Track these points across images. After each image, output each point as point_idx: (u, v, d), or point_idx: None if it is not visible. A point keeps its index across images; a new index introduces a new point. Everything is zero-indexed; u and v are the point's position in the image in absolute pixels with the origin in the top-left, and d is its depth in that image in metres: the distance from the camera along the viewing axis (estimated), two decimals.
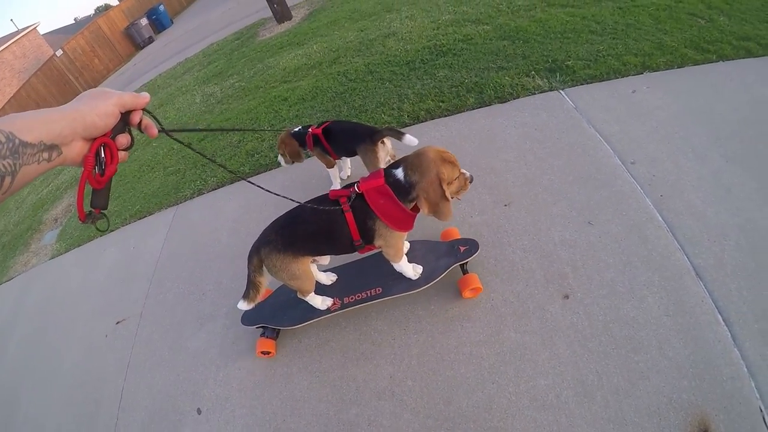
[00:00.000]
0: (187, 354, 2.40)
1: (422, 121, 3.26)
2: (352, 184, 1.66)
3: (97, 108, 0.71)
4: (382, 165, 2.30)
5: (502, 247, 2.21)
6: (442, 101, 3.33)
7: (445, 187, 1.58)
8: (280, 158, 2.65)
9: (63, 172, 6.32)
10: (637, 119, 2.72)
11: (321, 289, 2.11)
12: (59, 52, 14.73)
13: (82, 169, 0.72)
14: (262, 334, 2.16)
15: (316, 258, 1.98)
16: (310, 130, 2.47)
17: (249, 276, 1.86)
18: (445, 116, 3.21)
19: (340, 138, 2.43)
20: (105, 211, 0.77)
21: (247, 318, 2.21)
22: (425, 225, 1.93)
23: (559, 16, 4.12)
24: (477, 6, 4.91)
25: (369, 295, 2.04)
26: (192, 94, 6.15)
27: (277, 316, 2.15)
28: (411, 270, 2.00)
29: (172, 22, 17.29)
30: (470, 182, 1.71)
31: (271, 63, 5.70)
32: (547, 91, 3.12)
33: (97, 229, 0.76)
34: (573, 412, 1.62)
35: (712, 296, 1.82)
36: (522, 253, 2.12)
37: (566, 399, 1.65)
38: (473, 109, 3.17)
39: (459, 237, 2.20)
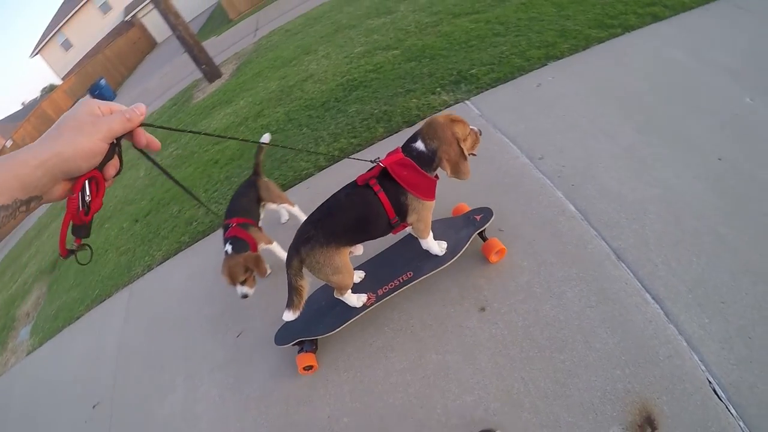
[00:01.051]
0: (158, 423, 2.47)
1: (338, 161, 3.29)
2: (374, 165, 1.71)
3: (80, 148, 0.60)
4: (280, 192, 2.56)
5: None
6: (354, 137, 3.37)
7: (462, 145, 1.69)
8: (242, 290, 2.19)
9: (30, 264, 6.35)
10: (543, 112, 2.77)
11: (352, 289, 2.09)
12: (9, 143, 14.76)
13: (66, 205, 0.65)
14: (300, 350, 2.10)
15: (352, 249, 1.99)
16: (231, 229, 2.25)
17: (290, 282, 1.80)
18: (358, 151, 3.24)
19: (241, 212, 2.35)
20: (87, 243, 0.70)
21: (281, 338, 2.15)
22: (437, 207, 1.90)
23: (464, 25, 4.26)
24: (387, 32, 5.07)
25: (401, 281, 2.06)
26: (137, 169, 6.23)
27: (311, 327, 2.12)
28: (437, 246, 2.05)
29: (115, 95, 17.37)
30: (480, 135, 1.81)
31: (204, 125, 5.77)
32: (452, 105, 3.17)
33: (79, 262, 0.71)
34: (503, 423, 1.60)
35: (636, 276, 1.82)
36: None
37: (495, 411, 1.64)
38: (383, 138, 3.22)
39: (468, 209, 2.27)
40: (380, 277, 2.14)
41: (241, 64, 7.64)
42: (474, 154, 1.82)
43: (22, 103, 32.99)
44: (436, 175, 1.75)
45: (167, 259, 3.60)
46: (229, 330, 2.55)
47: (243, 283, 2.15)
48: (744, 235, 1.84)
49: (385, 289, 2.07)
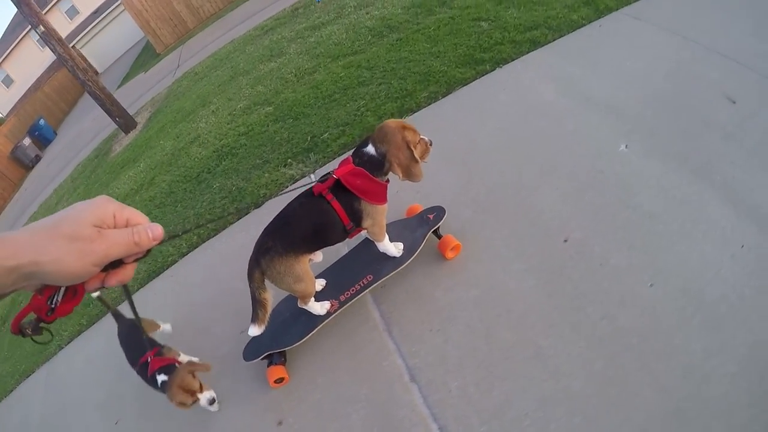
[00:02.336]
0: None
1: (196, 247, 3.22)
2: (328, 175, 1.76)
3: (66, 267, 0.52)
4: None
5: None
6: (212, 219, 3.34)
7: (413, 148, 1.74)
8: (207, 396, 2.06)
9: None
10: None
11: (315, 297, 2.12)
12: None
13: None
14: (270, 363, 2.12)
15: (311, 256, 2.01)
16: (152, 363, 2.13)
17: (253, 296, 1.83)
18: (212, 237, 3.18)
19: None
20: (46, 327, 0.62)
21: (250, 352, 2.17)
22: (390, 209, 1.95)
23: (336, 71, 4.26)
24: (270, 82, 5.05)
25: (362, 285, 2.11)
26: None
27: (278, 338, 2.14)
28: (393, 248, 2.11)
29: (56, 134, 17.03)
30: (430, 146, 1.87)
31: (112, 188, 5.65)
32: (298, 179, 3.16)
33: (35, 341, 0.63)
34: None
35: (426, 401, 1.72)
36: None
37: None
38: (234, 223, 3.17)
39: (421, 209, 2.34)
40: (341, 283, 2.19)
41: (153, 113, 7.56)
42: (425, 161, 1.87)
43: None
44: (387, 179, 1.81)
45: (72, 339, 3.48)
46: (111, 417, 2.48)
47: (200, 390, 2.07)
48: (571, 347, 1.65)
49: (347, 294, 2.12)
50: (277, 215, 1.85)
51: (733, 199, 1.88)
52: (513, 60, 3.23)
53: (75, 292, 0.60)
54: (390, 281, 2.14)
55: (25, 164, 15.93)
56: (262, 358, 2.14)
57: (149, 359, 2.13)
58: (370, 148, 1.76)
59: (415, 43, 4.02)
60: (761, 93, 2.26)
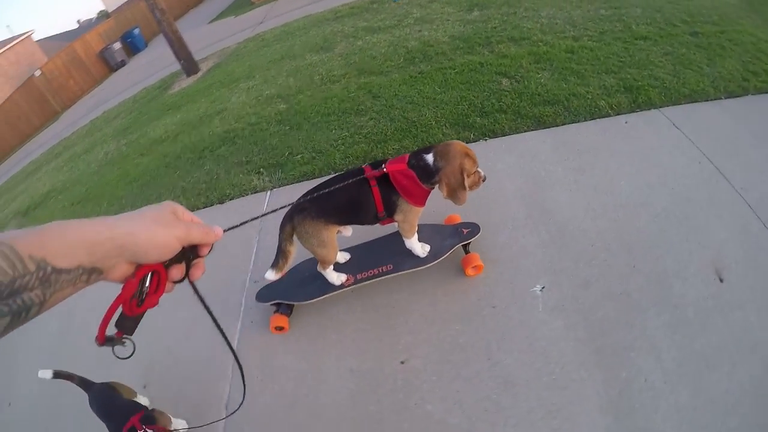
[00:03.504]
0: None
1: None
2: (379, 164, 1.88)
3: (156, 237, 0.60)
4: None
5: None
6: (188, 199, 3.69)
7: (465, 176, 1.85)
8: None
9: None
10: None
11: (335, 268, 2.26)
12: (38, 73, 15.96)
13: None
14: (276, 311, 2.30)
15: (341, 229, 2.15)
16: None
17: (279, 245, 2.02)
18: None
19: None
20: (130, 337, 0.65)
21: (262, 295, 2.36)
22: (431, 212, 2.10)
23: (351, 89, 4.42)
24: (302, 76, 5.30)
25: (381, 271, 2.23)
26: (94, 152, 6.91)
27: (291, 292, 2.31)
28: (420, 248, 2.22)
29: (147, 45, 18.32)
30: (483, 181, 1.97)
31: (149, 129, 6.25)
32: (259, 192, 3.39)
33: (115, 355, 0.64)
34: None
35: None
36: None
37: None
38: (200, 209, 3.51)
39: (460, 221, 2.46)
40: (363, 263, 2.33)
41: (214, 65, 8.08)
42: (474, 189, 1.99)
43: (78, 21, 33.30)
44: (432, 187, 1.93)
45: None
46: None
47: None
48: None
49: (365, 275, 2.25)
50: (322, 182, 1.94)
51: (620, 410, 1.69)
52: (505, 135, 3.17)
53: (158, 283, 0.65)
54: (407, 276, 2.26)
55: (110, 65, 17.42)
56: (272, 304, 2.35)
57: (135, 426, 1.72)
58: (429, 158, 1.87)
59: (429, 83, 4.06)
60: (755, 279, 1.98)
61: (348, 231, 2.24)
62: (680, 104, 3.11)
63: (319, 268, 2.22)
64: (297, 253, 2.08)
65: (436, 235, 2.34)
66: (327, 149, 3.58)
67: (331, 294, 2.23)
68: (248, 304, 2.50)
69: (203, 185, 3.86)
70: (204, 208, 3.58)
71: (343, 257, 2.38)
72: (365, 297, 2.34)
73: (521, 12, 5.27)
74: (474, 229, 2.33)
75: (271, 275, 2.06)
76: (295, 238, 2.03)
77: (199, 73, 8.13)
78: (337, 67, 5.19)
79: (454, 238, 2.30)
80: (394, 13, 6.64)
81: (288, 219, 2.00)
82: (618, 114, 3.13)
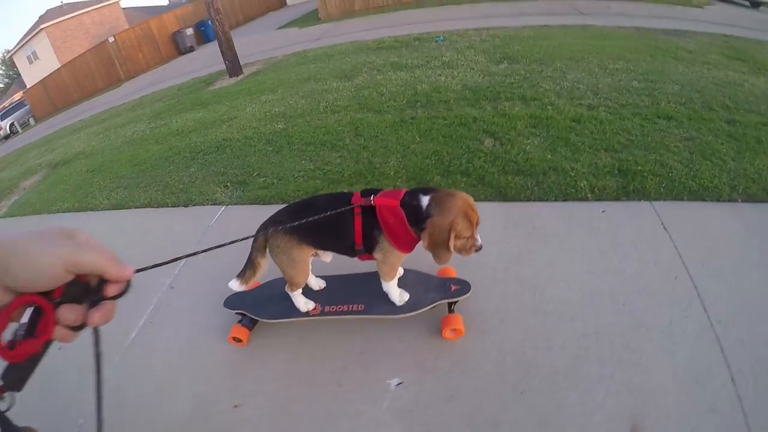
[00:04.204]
0: None
1: None
2: (371, 193, 1.76)
3: (30, 253, 0.48)
4: None
5: None
6: (163, 195, 3.94)
7: (452, 237, 1.66)
8: None
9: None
10: None
11: (306, 294, 2.17)
12: (111, 39, 17.41)
13: None
14: (239, 321, 2.24)
15: (318, 252, 2.02)
16: None
17: (250, 256, 1.95)
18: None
19: None
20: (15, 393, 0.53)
21: (230, 302, 2.31)
22: (424, 257, 1.84)
23: (343, 123, 4.50)
24: (312, 101, 5.45)
25: (350, 309, 2.11)
26: (127, 128, 7.48)
27: (258, 307, 2.24)
28: (398, 294, 2.07)
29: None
30: (476, 250, 1.77)
31: (175, 120, 6.66)
32: (217, 204, 3.53)
33: None
34: None
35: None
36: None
37: None
38: (168, 206, 3.75)
39: (454, 276, 2.27)
40: (335, 295, 2.22)
41: (255, 72, 8.59)
42: (464, 255, 1.80)
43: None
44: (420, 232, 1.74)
45: None
46: None
47: None
48: None
49: (333, 308, 2.15)
50: (304, 199, 1.99)
51: None
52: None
53: (46, 324, 0.51)
54: (378, 321, 2.12)
55: (179, 48, 18.69)
56: (236, 313, 2.29)
57: None
58: (425, 200, 1.71)
59: (413, 130, 4.05)
60: None
61: (327, 257, 2.07)
62: (681, 200, 2.77)
63: (287, 288, 2.13)
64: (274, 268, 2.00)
65: (420, 285, 2.19)
66: (286, 178, 3.69)
67: (294, 319, 2.16)
68: (157, 305, 2.63)
69: (180, 186, 4.10)
70: (171, 206, 3.81)
71: (317, 284, 2.28)
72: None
73: (548, 71, 5.27)
74: (464, 287, 2.12)
75: (235, 285, 1.97)
76: (267, 252, 1.95)
77: (240, 77, 8.65)
78: (345, 98, 5.39)
79: (439, 293, 2.12)
80: (428, 53, 6.82)
81: (262, 229, 1.91)
82: (599, 200, 2.83)
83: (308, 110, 5.24)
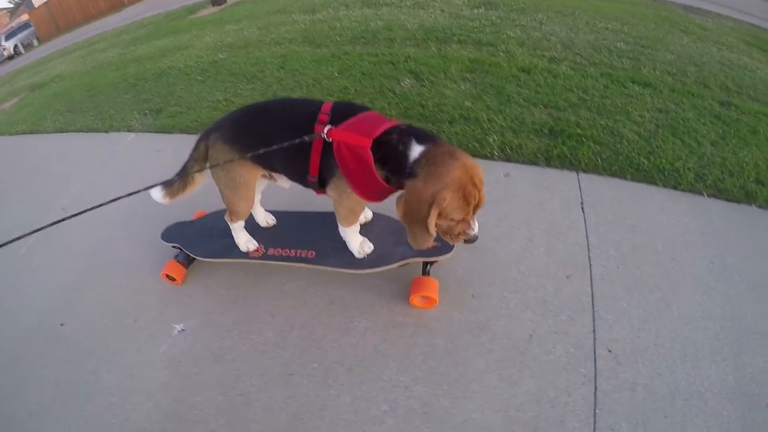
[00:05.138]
0: None
1: None
2: (345, 113, 1.37)
3: None
4: None
5: None
6: (96, 121, 4.03)
7: (433, 214, 1.24)
8: None
9: None
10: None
11: (252, 231, 1.90)
12: None
13: None
14: (176, 257, 1.99)
15: (270, 175, 1.65)
16: None
17: (186, 164, 1.63)
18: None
19: None
20: None
21: (169, 234, 2.05)
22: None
23: (276, 54, 4.41)
24: (264, 33, 5.34)
25: (297, 255, 1.79)
26: (104, 54, 7.52)
27: (195, 242, 1.96)
28: (357, 244, 1.71)
29: None
30: (465, 240, 1.38)
31: (143, 47, 6.57)
32: (126, 131, 3.61)
33: None
34: None
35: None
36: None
37: None
38: (94, 131, 3.86)
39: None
40: (284, 236, 1.90)
41: (236, 3, 8.40)
42: (452, 241, 1.45)
43: None
44: (394, 187, 1.39)
45: None
46: None
47: None
48: None
49: (278, 251, 1.84)
50: (259, 103, 1.59)
51: None
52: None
53: None
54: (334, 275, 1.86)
55: None
56: (173, 246, 2.02)
57: None
58: (414, 151, 1.29)
59: (337, 66, 3.90)
60: None
61: (284, 182, 1.70)
62: (621, 177, 2.40)
63: (226, 217, 1.79)
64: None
65: (390, 234, 1.80)
66: (195, 108, 3.69)
67: (232, 260, 1.88)
68: None
69: (111, 112, 4.20)
70: (98, 132, 3.92)
71: (266, 220, 1.95)
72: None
73: (523, 21, 4.90)
74: (444, 247, 1.72)
75: (156, 195, 1.63)
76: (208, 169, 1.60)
77: (223, 6, 8.48)
78: (296, 31, 5.23)
79: (412, 249, 1.63)
80: None
81: (204, 135, 1.58)
82: (507, 160, 2.54)
83: (255, 41, 5.15)
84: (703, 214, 2.30)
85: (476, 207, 1.32)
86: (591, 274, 1.98)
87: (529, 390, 1.66)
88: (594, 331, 1.82)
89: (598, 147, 2.58)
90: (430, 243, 1.35)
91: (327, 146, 1.37)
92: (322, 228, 1.89)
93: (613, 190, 2.38)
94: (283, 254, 1.83)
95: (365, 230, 1.83)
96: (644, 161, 2.51)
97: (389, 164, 1.31)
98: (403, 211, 1.30)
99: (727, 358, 1.81)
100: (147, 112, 3.94)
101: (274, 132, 1.40)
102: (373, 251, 1.76)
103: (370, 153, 1.29)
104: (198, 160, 1.61)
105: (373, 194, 1.42)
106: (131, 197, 1.26)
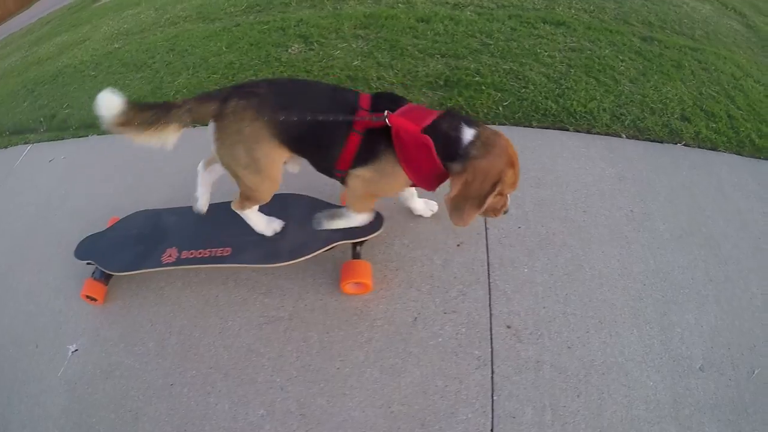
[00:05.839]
0: None
1: None
2: (390, 102, 1.38)
3: None
4: None
5: None
6: None
7: (495, 191, 1.32)
8: None
9: None
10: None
11: (158, 233, 1.84)
12: None
13: None
14: (92, 274, 1.86)
15: (288, 158, 1.54)
16: None
17: (172, 105, 1.37)
18: None
19: None
20: None
21: (82, 249, 1.91)
22: (322, 177, 1.54)
23: (168, 35, 4.28)
24: (159, 13, 5.11)
25: (212, 254, 1.71)
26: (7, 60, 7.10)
27: (109, 255, 1.84)
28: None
29: None
30: (503, 212, 1.48)
31: (42, 47, 6.19)
32: (27, 144, 3.47)
33: None
34: None
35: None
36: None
37: None
38: None
39: None
40: (195, 235, 1.79)
41: None
42: (493, 215, 1.51)
43: None
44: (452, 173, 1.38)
45: None
46: None
47: None
48: None
49: (191, 254, 1.74)
50: (301, 81, 1.53)
51: None
52: None
53: None
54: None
55: None
56: (87, 263, 1.90)
57: None
58: (467, 134, 1.34)
59: (225, 40, 3.75)
60: None
61: (295, 167, 1.65)
62: (526, 125, 2.34)
63: (234, 205, 1.63)
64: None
65: (312, 214, 1.70)
66: (85, 108, 3.48)
67: (150, 270, 1.81)
68: None
69: (10, 125, 4.02)
70: None
71: (270, 226, 1.76)
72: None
73: None
74: (376, 221, 1.69)
75: (108, 101, 1.37)
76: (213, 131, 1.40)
77: None
78: (191, 7, 4.95)
79: (338, 231, 1.65)
80: None
81: (220, 98, 1.38)
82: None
83: (150, 25, 4.94)
84: (622, 157, 2.21)
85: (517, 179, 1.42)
86: (487, 239, 1.90)
87: (414, 381, 1.56)
88: (490, 305, 1.71)
89: (499, 94, 2.55)
90: (470, 221, 1.38)
91: (369, 140, 1.37)
92: (235, 219, 1.75)
93: (516, 140, 2.40)
94: (198, 256, 1.74)
95: (283, 213, 1.77)
96: (552, 105, 2.46)
97: (445, 149, 1.34)
98: (459, 191, 1.34)
99: (651, 320, 1.67)
100: (42, 119, 3.83)
101: (322, 108, 1.35)
102: (295, 238, 1.70)
103: (430, 138, 1.31)
104: (192, 112, 1.36)
105: (429, 180, 1.43)
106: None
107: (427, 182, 1.44)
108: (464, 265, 1.82)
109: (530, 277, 1.78)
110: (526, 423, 1.49)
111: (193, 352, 1.77)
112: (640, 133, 2.28)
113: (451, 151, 1.33)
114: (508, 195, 1.44)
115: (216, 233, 1.78)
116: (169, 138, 1.40)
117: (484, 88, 2.58)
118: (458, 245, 1.87)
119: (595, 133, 2.31)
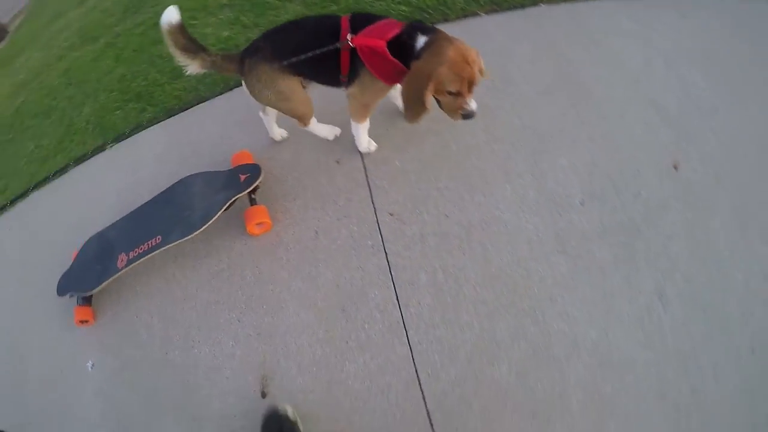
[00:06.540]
0: None
1: None
2: (364, 20, 1.64)
3: None
4: None
5: None
6: None
7: (428, 90, 1.51)
8: None
9: None
10: None
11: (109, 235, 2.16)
12: None
13: None
14: (77, 301, 2.13)
15: (306, 85, 1.88)
16: None
17: (218, 54, 1.77)
18: None
19: None
20: None
21: (60, 286, 2.16)
22: (213, 152, 2.03)
23: (60, 69, 4.24)
24: (46, 54, 4.98)
25: (150, 246, 2.01)
26: None
27: (81, 280, 2.12)
28: (366, 141, 2.05)
29: None
30: (463, 115, 1.60)
31: None
32: None
33: None
34: None
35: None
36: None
37: None
38: None
39: (249, 162, 2.14)
40: (135, 237, 2.10)
41: (17, 27, 7.60)
42: (452, 117, 1.66)
43: None
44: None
45: None
46: None
47: None
48: None
49: (135, 253, 2.03)
50: (288, 22, 1.79)
51: None
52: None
53: None
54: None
55: None
56: (70, 296, 2.14)
57: None
58: (420, 41, 1.56)
59: (111, 55, 3.73)
60: None
61: (313, 88, 1.95)
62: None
63: (300, 125, 2.02)
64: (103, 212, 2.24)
65: (208, 187, 2.06)
66: (17, 172, 3.36)
67: (111, 279, 2.07)
68: None
69: None
70: None
71: (331, 131, 2.19)
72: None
73: None
74: (254, 173, 2.02)
75: (172, 15, 1.71)
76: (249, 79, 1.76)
77: (5, 40, 7.71)
78: (72, 32, 4.79)
79: (229, 190, 1.99)
80: None
81: (234, 59, 1.76)
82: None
83: (42, 67, 4.79)
84: (480, 35, 2.33)
85: (471, 84, 1.55)
86: (360, 152, 2.19)
87: (328, 280, 1.93)
88: (372, 201, 2.04)
89: None
90: (422, 116, 1.62)
91: (353, 51, 1.63)
92: (157, 213, 2.14)
93: None
94: (141, 251, 2.05)
95: (188, 192, 2.09)
96: (404, 8, 2.55)
97: (402, 55, 1.56)
98: (405, 89, 1.61)
99: (522, 173, 1.87)
100: None
101: (309, 43, 1.65)
102: (201, 208, 2.02)
103: (386, 47, 1.54)
104: (214, 64, 1.75)
105: (393, 76, 1.65)
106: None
107: (393, 78, 1.68)
108: (345, 175, 2.14)
109: (402, 170, 2.05)
110: (423, 285, 1.81)
111: (172, 321, 2.11)
112: (498, 6, 2.35)
113: (407, 56, 1.56)
114: (467, 98, 1.57)
115: (145, 229, 2.11)
116: (191, 66, 1.76)
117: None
118: (337, 162, 2.19)
119: (451, 21, 2.44)
